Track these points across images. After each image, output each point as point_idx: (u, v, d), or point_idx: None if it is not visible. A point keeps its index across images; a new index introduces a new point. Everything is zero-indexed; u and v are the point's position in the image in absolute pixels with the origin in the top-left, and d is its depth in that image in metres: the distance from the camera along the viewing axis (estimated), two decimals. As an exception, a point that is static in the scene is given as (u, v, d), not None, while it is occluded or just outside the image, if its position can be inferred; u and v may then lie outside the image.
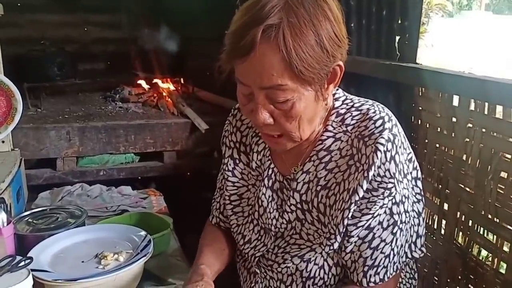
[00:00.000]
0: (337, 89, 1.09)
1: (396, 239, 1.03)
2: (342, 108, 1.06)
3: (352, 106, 1.06)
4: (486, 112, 1.26)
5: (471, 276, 1.37)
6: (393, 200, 1.01)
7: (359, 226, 1.01)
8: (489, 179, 1.26)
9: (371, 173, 0.97)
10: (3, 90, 1.67)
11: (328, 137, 1.05)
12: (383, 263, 1.03)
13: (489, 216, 1.28)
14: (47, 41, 2.93)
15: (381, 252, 1.02)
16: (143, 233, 1.28)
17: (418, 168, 1.09)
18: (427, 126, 1.52)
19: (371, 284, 1.03)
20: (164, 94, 2.95)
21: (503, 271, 1.25)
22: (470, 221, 1.36)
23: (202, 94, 2.96)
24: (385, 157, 0.97)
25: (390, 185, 0.98)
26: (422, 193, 1.12)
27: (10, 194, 1.49)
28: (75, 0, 3.18)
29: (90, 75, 3.20)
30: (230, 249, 1.25)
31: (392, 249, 1.03)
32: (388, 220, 1.02)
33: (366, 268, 1.03)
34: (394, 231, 1.02)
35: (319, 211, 1.06)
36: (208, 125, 2.44)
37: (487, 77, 1.22)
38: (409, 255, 1.10)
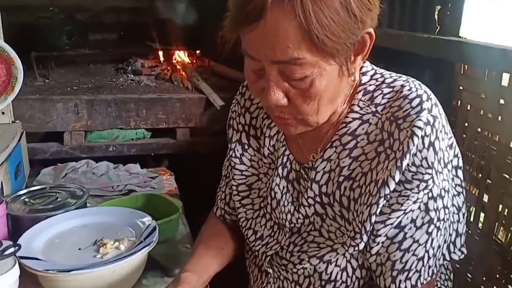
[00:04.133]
0: (364, 62, 0.92)
1: (432, 240, 0.88)
2: (370, 85, 0.91)
3: (383, 82, 0.90)
4: (541, 93, 1.10)
5: (511, 276, 1.24)
6: (430, 194, 0.86)
7: (388, 224, 0.87)
8: (541, 170, 1.11)
9: (405, 162, 0.82)
10: (3, 58, 1.54)
11: (354, 119, 0.90)
12: (416, 267, 0.88)
13: (538, 212, 1.13)
14: (56, 8, 2.81)
15: (413, 255, 0.87)
16: (148, 218, 1.16)
17: (459, 155, 0.93)
18: (468, 108, 1.37)
19: None
20: (178, 67, 2.82)
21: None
22: (515, 216, 1.22)
23: (219, 68, 2.82)
24: (423, 143, 0.81)
25: (427, 177, 0.83)
26: (463, 184, 0.96)
27: (6, 170, 1.37)
28: (88, -34, 3.05)
29: (102, 46, 3.08)
30: (233, 246, 1.11)
31: (427, 251, 0.88)
32: (422, 218, 0.87)
33: (395, 273, 0.88)
34: (430, 230, 0.87)
35: (341, 205, 0.91)
36: (224, 101, 2.30)
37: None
38: (447, 257, 0.95)
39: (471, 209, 1.41)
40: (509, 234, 1.26)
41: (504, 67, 1.18)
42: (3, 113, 1.61)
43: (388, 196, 0.85)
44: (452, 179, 0.92)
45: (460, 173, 0.94)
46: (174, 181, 1.77)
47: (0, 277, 0.86)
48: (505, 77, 1.21)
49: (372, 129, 0.88)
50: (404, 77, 0.91)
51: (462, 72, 1.39)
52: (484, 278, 1.35)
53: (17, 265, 0.90)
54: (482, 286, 1.35)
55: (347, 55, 0.79)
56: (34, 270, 0.95)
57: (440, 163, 0.85)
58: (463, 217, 0.97)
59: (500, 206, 1.27)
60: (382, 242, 0.89)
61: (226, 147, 1.12)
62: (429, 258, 0.89)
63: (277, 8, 0.73)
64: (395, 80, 0.89)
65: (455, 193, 0.94)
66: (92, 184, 1.62)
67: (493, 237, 1.31)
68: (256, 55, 0.80)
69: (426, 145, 0.82)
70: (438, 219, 0.88)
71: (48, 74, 2.52)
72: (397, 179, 0.83)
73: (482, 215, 1.37)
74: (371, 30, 0.80)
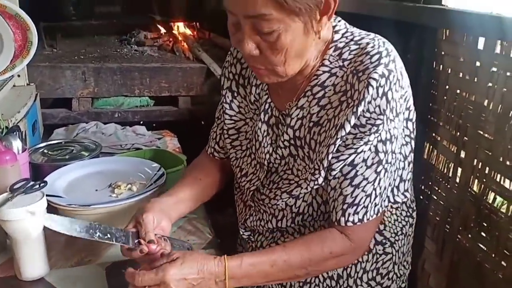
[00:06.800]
0: (339, 21, 1.04)
1: (380, 179, 0.99)
2: (341, 42, 1.01)
3: (352, 40, 1.01)
4: (512, 55, 1.21)
5: (484, 223, 1.36)
6: (379, 138, 0.97)
7: (341, 160, 0.98)
8: (510, 124, 1.22)
9: (360, 109, 0.93)
10: (19, 23, 1.64)
11: (324, 72, 1.01)
12: (363, 203, 0.99)
13: (508, 163, 1.25)
14: (64, -20, 2.90)
15: (363, 191, 0.99)
16: (156, 165, 1.29)
17: (411, 108, 1.05)
18: (449, 71, 1.47)
19: (349, 224, 1.00)
20: (180, 38, 2.91)
21: (517, 218, 1.23)
22: (487, 168, 1.33)
23: (219, 40, 2.91)
24: (377, 92, 0.93)
25: (378, 122, 0.94)
26: (412, 136, 1.08)
27: (25, 125, 1.50)
28: None
29: (107, 17, 3.17)
30: (212, 179, 1.24)
31: (374, 189, 0.99)
32: (372, 158, 0.98)
33: (345, 206, 1.00)
34: (378, 170, 0.98)
35: (310, 147, 1.03)
36: (224, 70, 2.40)
37: (516, 16, 1.16)
38: (391, 199, 1.07)
39: (450, 165, 1.53)
40: (482, 186, 1.37)
41: (480, 31, 1.29)
42: (19, 75, 1.72)
43: (344, 137, 0.97)
44: (403, 129, 1.04)
45: (410, 125, 1.06)
46: (178, 142, 1.89)
47: (30, 206, 0.98)
48: (481, 40, 1.32)
49: (338, 81, 0.99)
50: (372, 35, 1.01)
51: (444, 38, 1.49)
52: (460, 228, 1.47)
53: (44, 197, 1.02)
54: (459, 235, 1.46)
55: (311, 15, 0.90)
56: (58, 205, 1.09)
57: (392, 111, 0.96)
58: (408, 165, 1.09)
59: (475, 160, 1.39)
60: (338, 178, 1.00)
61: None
62: (375, 196, 1.00)
63: None
64: (362, 38, 1.00)
65: (404, 142, 1.06)
66: (102, 143, 1.72)
67: (469, 189, 1.42)
68: (232, 9, 0.91)
69: (380, 94, 0.93)
70: (387, 162, 0.99)
71: (55, 43, 2.62)
72: (352, 123, 0.95)
73: (459, 170, 1.48)
74: None
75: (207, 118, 2.57)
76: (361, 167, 0.98)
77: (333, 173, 1.00)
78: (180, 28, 3.04)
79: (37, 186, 1.07)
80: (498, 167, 1.29)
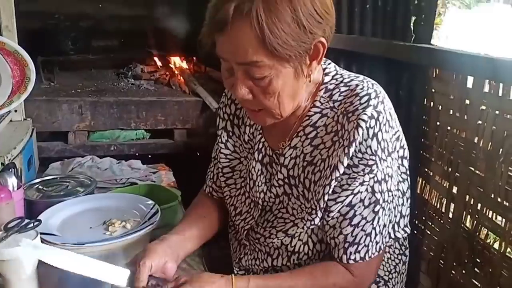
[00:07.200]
0: (329, 63, 1.08)
1: (378, 218, 1.02)
2: (331, 84, 1.05)
3: (342, 82, 1.05)
4: (500, 94, 1.24)
5: (477, 259, 1.36)
6: (375, 178, 0.99)
7: (339, 202, 1.00)
8: (500, 162, 1.24)
9: (351, 150, 0.96)
10: (17, 60, 1.67)
11: (315, 112, 1.04)
12: (364, 242, 1.02)
13: (499, 199, 1.26)
14: (62, 16, 2.94)
15: (362, 230, 1.01)
16: (151, 202, 1.29)
17: (405, 147, 1.08)
18: (440, 108, 1.50)
19: (351, 262, 1.02)
20: (176, 72, 2.95)
21: (510, 255, 1.24)
22: (479, 204, 1.35)
23: (215, 74, 2.96)
24: (367, 133, 0.95)
25: (371, 162, 0.97)
26: (408, 172, 1.11)
27: (21, 161, 1.50)
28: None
29: (104, 51, 3.22)
30: (215, 218, 1.26)
31: (374, 228, 1.02)
32: (369, 198, 1.00)
33: (346, 245, 1.02)
34: (376, 209, 1.01)
35: (304, 186, 1.05)
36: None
37: (503, 57, 1.19)
38: (392, 235, 1.10)
39: (442, 200, 1.54)
40: (475, 222, 1.38)
41: (468, 71, 1.33)
42: (16, 111, 1.73)
43: (339, 178, 0.99)
44: (398, 167, 1.07)
45: (405, 162, 1.09)
46: (173, 176, 1.90)
47: (25, 245, 0.98)
48: (470, 79, 1.35)
49: (330, 122, 1.02)
50: (361, 77, 1.05)
51: (434, 76, 1.52)
52: (454, 263, 1.47)
53: (38, 236, 1.02)
54: (453, 271, 1.46)
55: (301, 60, 0.93)
56: (53, 243, 1.08)
57: (384, 151, 0.99)
58: (407, 201, 1.12)
59: (467, 196, 1.40)
60: (336, 218, 1.02)
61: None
62: (376, 234, 1.02)
63: (238, 21, 0.87)
64: (352, 80, 1.04)
65: (401, 179, 1.08)
66: (97, 178, 1.73)
67: (462, 225, 1.43)
68: (225, 57, 0.95)
69: (370, 136, 0.96)
70: (384, 201, 1.01)
71: (53, 77, 2.65)
72: (345, 164, 0.97)
73: (452, 205, 1.49)
74: (323, 40, 0.94)
75: (203, 150, 2.59)
76: (359, 207, 1.00)
77: (331, 214, 1.02)
78: (177, 62, 3.09)
79: (31, 224, 1.07)
80: (490, 204, 1.30)
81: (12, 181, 1.22)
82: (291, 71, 0.93)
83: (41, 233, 1.09)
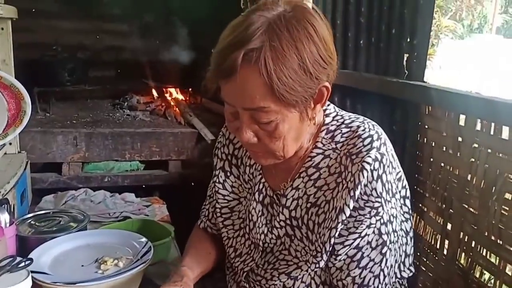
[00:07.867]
0: (329, 105, 1.09)
1: (386, 260, 1.02)
2: (332, 125, 1.06)
3: (343, 123, 1.06)
4: (492, 133, 1.25)
5: (472, 297, 1.35)
6: (381, 220, 1.00)
7: (346, 245, 1.00)
8: (493, 200, 1.24)
9: (357, 192, 0.96)
10: (13, 93, 1.68)
11: (317, 154, 1.05)
12: (373, 284, 1.01)
13: (492, 238, 1.26)
14: (60, 47, 2.97)
15: (370, 271, 1.01)
16: (143, 239, 1.28)
17: (407, 187, 1.10)
18: (433, 144, 1.52)
19: None
20: (172, 103, 2.97)
21: (505, 294, 1.23)
22: (473, 242, 1.35)
23: (210, 105, 2.98)
24: (372, 176, 0.96)
25: (376, 204, 0.98)
26: (410, 211, 1.12)
27: (14, 195, 1.50)
28: (89, 8, 3.23)
29: (100, 82, 3.24)
30: (217, 253, 1.26)
31: (382, 270, 1.02)
32: (377, 240, 1.00)
33: (355, 287, 1.01)
34: (384, 251, 1.01)
35: (308, 228, 1.05)
36: (215, 136, 2.45)
37: (494, 97, 1.21)
38: (398, 275, 1.10)
39: (437, 236, 1.54)
40: (469, 259, 1.38)
41: (460, 109, 1.34)
42: (10, 143, 1.73)
43: (345, 221, 0.99)
44: (401, 207, 1.08)
45: (407, 202, 1.10)
46: (166, 210, 1.89)
47: (14, 287, 0.97)
48: (462, 117, 1.37)
49: (333, 163, 1.03)
50: (361, 118, 1.06)
51: (426, 112, 1.54)
52: (449, 301, 1.46)
53: (29, 276, 1.01)
54: (448, 308, 1.46)
55: (306, 104, 0.95)
56: (44, 282, 1.07)
57: (388, 193, 1.00)
58: (411, 240, 1.13)
59: (461, 233, 1.40)
60: (344, 260, 1.02)
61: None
62: (384, 276, 1.02)
63: (246, 68, 0.88)
64: (352, 121, 1.05)
65: (404, 219, 1.09)
66: (91, 211, 1.72)
67: (456, 262, 1.43)
68: (231, 102, 0.96)
69: (375, 178, 0.96)
70: (390, 242, 1.02)
71: (49, 108, 2.66)
72: (351, 207, 0.98)
73: (446, 242, 1.49)
74: (327, 84, 0.96)
75: (197, 181, 2.59)
76: (367, 249, 1.00)
77: (339, 257, 1.02)
78: (173, 93, 3.11)
79: (23, 264, 1.06)
80: (484, 242, 1.30)
81: (4, 217, 1.21)
82: (296, 115, 0.95)
83: (32, 272, 1.08)
